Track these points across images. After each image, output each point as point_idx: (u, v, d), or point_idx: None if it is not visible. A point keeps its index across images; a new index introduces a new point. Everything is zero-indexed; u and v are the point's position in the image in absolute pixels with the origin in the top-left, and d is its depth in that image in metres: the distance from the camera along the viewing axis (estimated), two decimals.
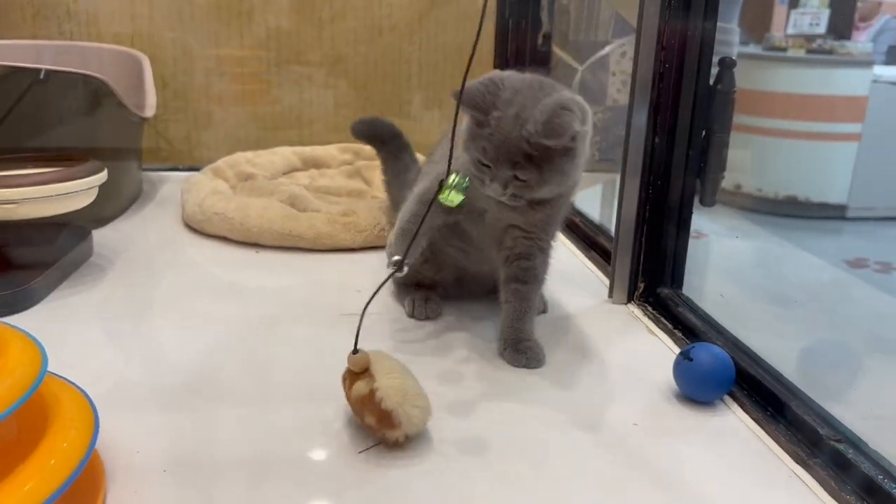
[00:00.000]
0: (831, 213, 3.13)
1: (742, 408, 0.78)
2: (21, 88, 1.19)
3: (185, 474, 0.64)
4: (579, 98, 0.78)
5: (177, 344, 0.89)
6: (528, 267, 0.89)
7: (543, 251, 0.90)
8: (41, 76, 1.17)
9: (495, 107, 0.76)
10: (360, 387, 0.68)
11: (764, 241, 2.75)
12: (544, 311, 1.00)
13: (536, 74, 0.82)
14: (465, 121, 0.81)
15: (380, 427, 0.67)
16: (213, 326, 0.94)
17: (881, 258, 2.62)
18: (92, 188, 1.04)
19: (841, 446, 0.67)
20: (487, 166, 0.78)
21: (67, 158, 1.09)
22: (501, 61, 1.81)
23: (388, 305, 1.01)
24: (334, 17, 1.74)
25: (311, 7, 1.73)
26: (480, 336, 0.93)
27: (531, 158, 0.76)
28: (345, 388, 0.71)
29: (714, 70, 0.95)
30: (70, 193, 1.00)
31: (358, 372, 0.69)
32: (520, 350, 0.86)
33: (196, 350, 0.87)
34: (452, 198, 0.74)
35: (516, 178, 0.77)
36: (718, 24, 0.96)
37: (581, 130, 0.76)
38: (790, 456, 0.70)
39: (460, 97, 0.75)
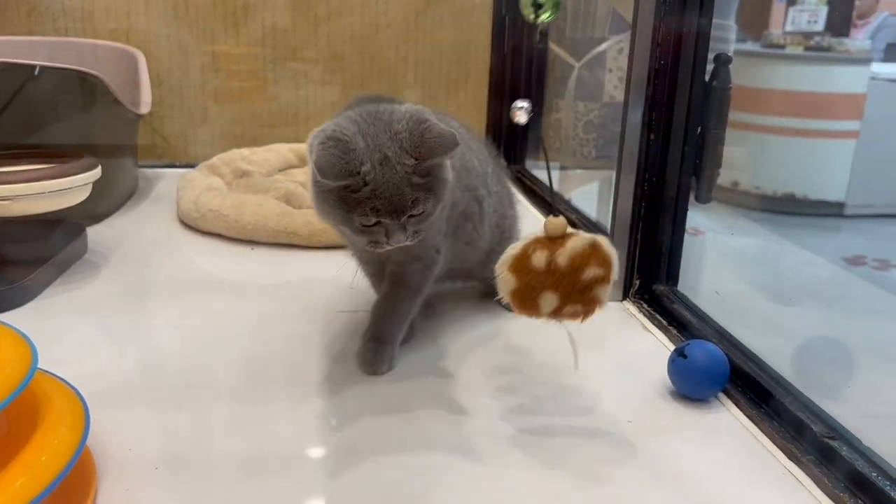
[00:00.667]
0: (829, 211, 3.13)
1: (736, 405, 0.78)
2: (15, 85, 1.18)
3: (177, 472, 0.64)
4: (409, 104, 0.75)
5: (171, 341, 0.89)
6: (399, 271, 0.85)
7: (419, 259, 0.85)
8: (35, 72, 1.17)
9: (361, 163, 0.69)
10: (577, 244, 0.64)
11: (762, 239, 2.75)
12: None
13: (360, 106, 0.76)
14: (312, 189, 0.74)
15: (599, 282, 0.65)
16: (208, 323, 0.93)
17: (879, 255, 2.62)
18: (86, 185, 1.04)
19: (835, 443, 0.67)
20: (377, 223, 0.71)
21: (62, 155, 1.08)
22: (498, 58, 1.81)
23: None
24: (330, 15, 1.74)
25: (308, 4, 1.72)
26: (468, 335, 0.92)
27: (421, 187, 0.71)
28: (524, 264, 0.66)
29: (710, 67, 0.95)
30: (64, 190, 1.00)
31: (557, 237, 0.65)
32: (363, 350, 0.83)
33: (190, 347, 0.87)
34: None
35: (411, 216, 0.71)
36: (715, 20, 0.96)
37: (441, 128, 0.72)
38: (784, 453, 0.70)
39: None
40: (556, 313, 0.67)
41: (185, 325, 0.93)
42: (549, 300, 0.66)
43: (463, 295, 1.03)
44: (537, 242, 0.66)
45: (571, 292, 0.65)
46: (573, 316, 0.67)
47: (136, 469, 0.64)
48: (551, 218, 0.66)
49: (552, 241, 0.65)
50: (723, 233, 2.24)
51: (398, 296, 0.85)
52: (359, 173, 0.69)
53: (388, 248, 0.73)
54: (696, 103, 0.95)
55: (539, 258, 0.65)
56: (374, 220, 0.70)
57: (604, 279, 0.65)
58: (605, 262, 0.65)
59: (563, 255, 0.65)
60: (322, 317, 0.96)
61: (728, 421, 0.75)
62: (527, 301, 0.66)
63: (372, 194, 0.69)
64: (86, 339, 0.89)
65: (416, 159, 0.70)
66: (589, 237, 0.65)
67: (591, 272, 0.65)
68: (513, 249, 0.66)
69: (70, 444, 0.56)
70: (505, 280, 0.66)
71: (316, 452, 0.69)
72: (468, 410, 0.75)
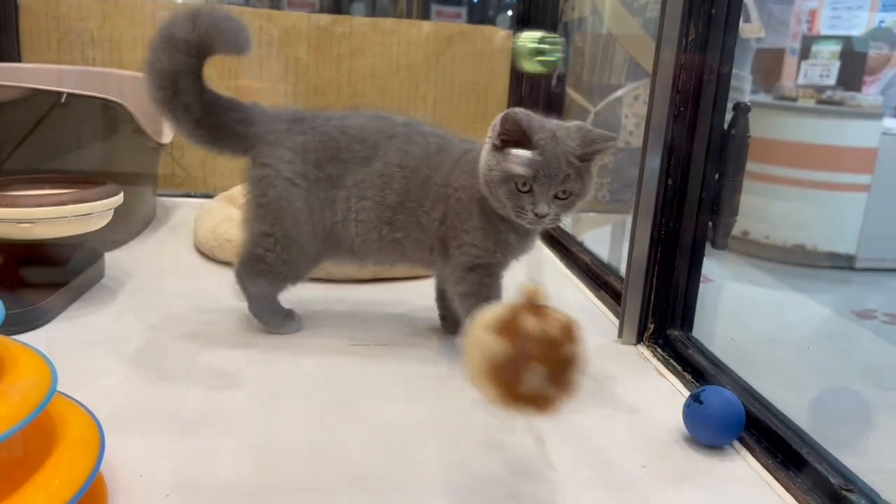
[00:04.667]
0: (839, 263, 3.12)
1: (752, 453, 0.77)
2: (42, 111, 1.21)
3: (188, 499, 0.64)
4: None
5: (185, 368, 0.89)
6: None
7: None
8: (62, 100, 1.19)
9: (536, 131, 0.81)
10: (562, 317, 0.59)
11: (771, 288, 2.75)
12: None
13: None
14: (488, 152, 0.84)
15: (573, 364, 0.59)
16: (221, 353, 0.93)
17: (889, 310, 2.61)
18: (108, 211, 1.05)
19: (853, 496, 0.66)
20: (527, 191, 0.82)
21: (84, 181, 1.10)
22: (515, 101, 1.84)
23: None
24: (353, 53, 1.77)
25: (330, 43, 1.76)
26: None
27: (576, 170, 0.82)
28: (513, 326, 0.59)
29: (728, 115, 0.96)
30: (86, 215, 1.01)
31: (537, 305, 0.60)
32: None
33: (203, 376, 0.87)
34: None
35: (557, 197, 0.82)
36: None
37: None
38: None
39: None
40: (535, 399, 0.58)
41: (198, 353, 0.93)
42: (536, 374, 0.57)
43: None
44: (523, 308, 0.60)
45: (556, 370, 0.58)
46: (547, 404, 0.59)
47: (146, 495, 0.63)
48: (533, 285, 0.60)
49: (536, 308, 0.60)
50: (732, 280, 2.24)
51: None
52: (535, 135, 0.81)
53: (530, 218, 0.83)
54: (713, 150, 0.96)
55: (531, 322, 0.58)
56: (529, 185, 0.81)
57: (576, 362, 0.59)
58: (579, 342, 0.59)
59: (555, 324, 0.59)
60: (335, 349, 0.96)
61: (743, 470, 0.75)
62: (508, 374, 0.58)
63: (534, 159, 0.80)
64: (100, 363, 0.89)
65: (579, 145, 0.82)
66: (567, 314, 0.60)
67: (570, 349, 0.59)
68: (491, 313, 0.60)
69: (84, 468, 0.56)
70: (487, 344, 0.58)
71: (329, 480, 0.68)
72: (477, 451, 0.75)
